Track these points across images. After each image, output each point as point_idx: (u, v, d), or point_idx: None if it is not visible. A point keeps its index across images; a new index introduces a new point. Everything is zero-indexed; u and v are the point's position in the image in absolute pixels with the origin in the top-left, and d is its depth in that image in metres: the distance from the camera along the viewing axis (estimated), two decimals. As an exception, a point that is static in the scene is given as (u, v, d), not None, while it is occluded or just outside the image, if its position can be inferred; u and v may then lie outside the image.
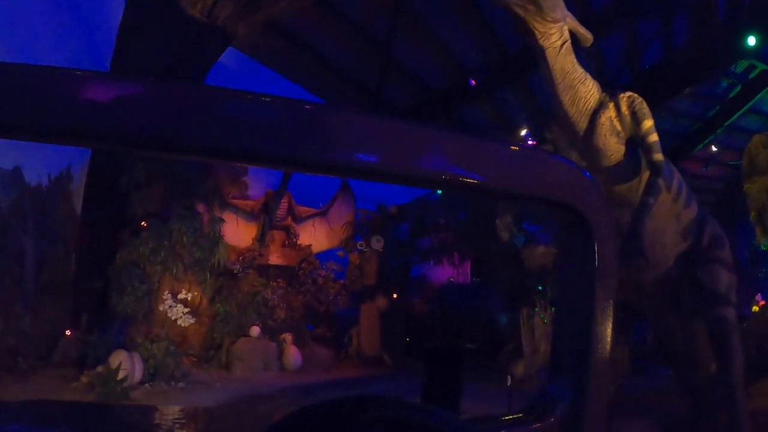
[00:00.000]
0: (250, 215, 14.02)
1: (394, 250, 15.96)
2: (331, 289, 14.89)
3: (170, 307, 10.91)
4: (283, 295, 13.94)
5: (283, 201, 14.89)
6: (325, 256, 15.61)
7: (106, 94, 0.88)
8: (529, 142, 16.01)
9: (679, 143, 18.49)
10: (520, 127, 15.74)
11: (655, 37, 14.50)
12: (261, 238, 14.36)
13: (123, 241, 10.83)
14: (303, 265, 14.55)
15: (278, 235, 14.58)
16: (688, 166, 17.51)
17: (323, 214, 15.43)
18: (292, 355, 13.25)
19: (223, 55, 11.82)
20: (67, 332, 10.25)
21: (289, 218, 14.73)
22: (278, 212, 14.67)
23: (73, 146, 1.04)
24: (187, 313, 11.25)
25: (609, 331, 1.30)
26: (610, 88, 5.45)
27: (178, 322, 10.99)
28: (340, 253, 16.05)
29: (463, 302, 16.78)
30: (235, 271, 13.57)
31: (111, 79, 0.98)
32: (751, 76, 16.61)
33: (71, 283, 11.04)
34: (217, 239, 11.78)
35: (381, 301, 15.58)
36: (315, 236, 14.66)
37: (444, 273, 18.06)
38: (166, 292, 11.12)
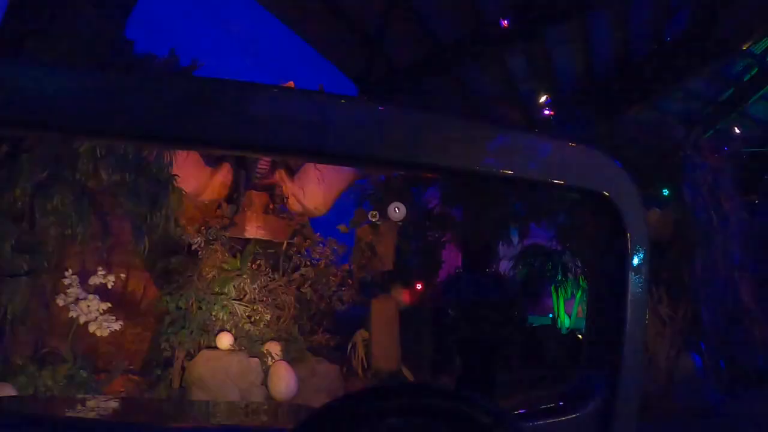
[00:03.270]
0: (217, 164, 9.27)
1: (420, 223, 11.40)
2: (333, 278, 10.25)
3: (76, 301, 6.15)
4: (268, 284, 9.26)
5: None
6: (323, 229, 10.94)
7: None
8: (546, 112, 15.48)
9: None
10: (538, 93, 15.00)
11: (682, 5, 14.19)
12: (234, 200, 9.65)
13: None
14: (296, 240, 9.86)
15: (259, 198, 9.86)
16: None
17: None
18: (283, 376, 8.62)
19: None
20: None
21: (277, 173, 10.02)
22: (260, 166, 9.99)
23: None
24: (105, 312, 6.52)
25: (643, 323, 1.30)
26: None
27: (92, 329, 6.26)
28: (343, 227, 11.42)
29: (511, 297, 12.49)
30: (194, 247, 8.86)
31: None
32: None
33: None
34: (166, 181, 7.01)
35: (400, 295, 11.06)
36: (315, 196, 9.97)
37: (489, 258, 13.70)
38: (69, 273, 6.36)
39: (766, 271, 10.38)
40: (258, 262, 9.34)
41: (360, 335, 10.57)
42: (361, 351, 10.45)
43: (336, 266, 10.51)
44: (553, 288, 16.44)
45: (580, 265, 15.80)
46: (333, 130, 1.00)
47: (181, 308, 8.57)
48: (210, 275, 8.99)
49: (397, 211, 10.91)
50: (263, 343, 8.90)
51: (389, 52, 13.13)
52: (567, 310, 16.73)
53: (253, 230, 9.54)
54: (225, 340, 8.61)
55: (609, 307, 1.33)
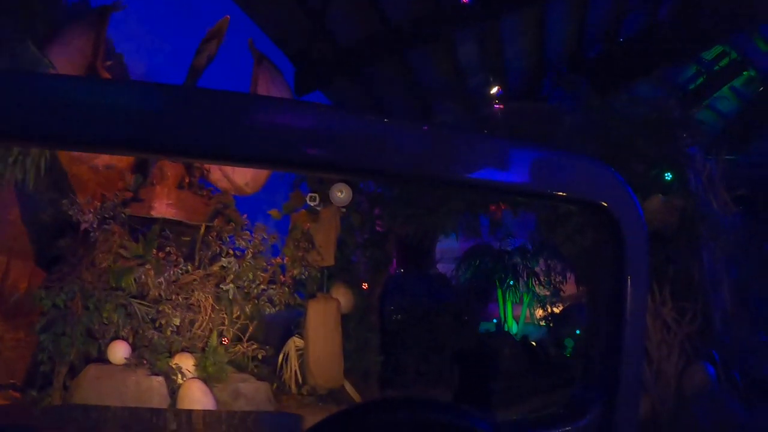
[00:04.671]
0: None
1: (368, 210, 9.55)
2: (261, 273, 8.24)
3: None
4: (179, 278, 7.18)
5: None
6: (251, 214, 8.90)
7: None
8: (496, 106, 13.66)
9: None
10: (489, 85, 13.86)
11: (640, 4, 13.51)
12: (141, 169, 7.52)
13: None
14: (217, 223, 7.79)
15: (173, 169, 7.72)
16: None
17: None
18: (196, 398, 6.55)
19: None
20: None
21: None
22: None
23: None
24: None
25: (642, 335, 1.32)
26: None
27: None
28: (275, 212, 9.40)
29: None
30: (83, 227, 6.71)
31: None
32: (721, 64, 15.69)
33: None
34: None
35: (343, 295, 9.15)
36: (246, 168, 7.94)
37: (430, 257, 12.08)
38: None
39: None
40: (167, 249, 7.22)
41: (293, 344, 8.61)
42: (294, 363, 8.49)
43: (266, 259, 8.49)
44: (500, 292, 15.04)
45: (539, 266, 14.69)
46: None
47: (59, 307, 6.40)
48: (103, 264, 6.85)
49: (341, 194, 8.96)
50: (171, 355, 6.81)
51: (332, 30, 11.55)
52: (515, 315, 15.42)
53: (162, 208, 7.42)
54: (119, 352, 6.50)
55: (607, 318, 1.31)
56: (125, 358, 6.52)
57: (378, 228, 9.66)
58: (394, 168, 1.04)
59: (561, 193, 1.23)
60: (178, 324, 6.87)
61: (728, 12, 12.86)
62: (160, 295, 6.95)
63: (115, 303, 6.63)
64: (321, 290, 9.09)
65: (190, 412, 6.40)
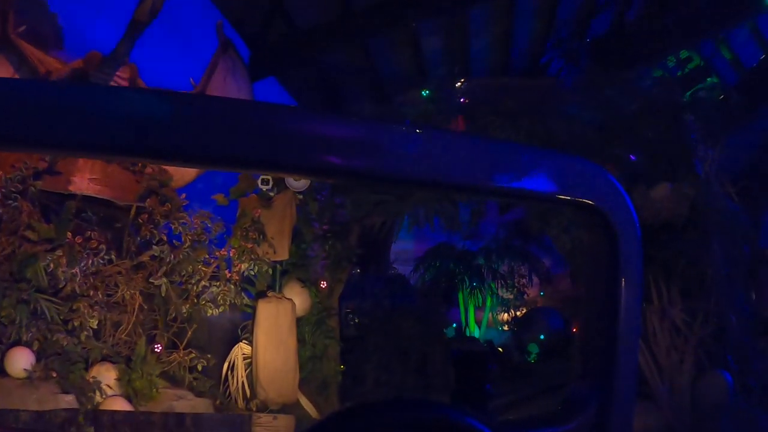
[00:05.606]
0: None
1: (328, 197, 8.34)
2: (202, 267, 6.93)
3: None
4: (100, 270, 5.79)
5: (119, 76, 6.89)
6: (192, 199, 7.54)
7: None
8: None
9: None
10: (455, 80, 12.04)
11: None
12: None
13: None
14: (149, 204, 6.40)
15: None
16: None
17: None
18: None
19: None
20: None
21: None
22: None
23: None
24: None
25: (636, 334, 1.32)
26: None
27: None
28: (221, 197, 8.07)
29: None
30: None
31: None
32: (685, 70, 14.41)
33: None
34: None
35: (298, 296, 7.93)
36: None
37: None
38: None
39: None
40: (87, 233, 5.82)
41: (240, 351, 7.32)
42: (241, 374, 7.19)
43: (208, 250, 7.16)
44: (461, 295, 14.02)
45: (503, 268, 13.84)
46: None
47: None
48: (6, 250, 5.43)
49: (297, 178, 7.71)
50: (88, 366, 5.42)
51: (290, 11, 10.67)
52: (477, 319, 14.42)
53: (83, 184, 6.04)
54: (19, 361, 5.09)
55: (601, 318, 1.32)
56: (26, 370, 5.11)
57: (340, 218, 8.42)
58: (382, 170, 1.05)
59: (552, 195, 1.23)
60: (96, 326, 5.46)
61: (695, 17, 12.27)
62: (74, 289, 5.54)
63: (16, 298, 5.22)
64: (273, 289, 7.87)
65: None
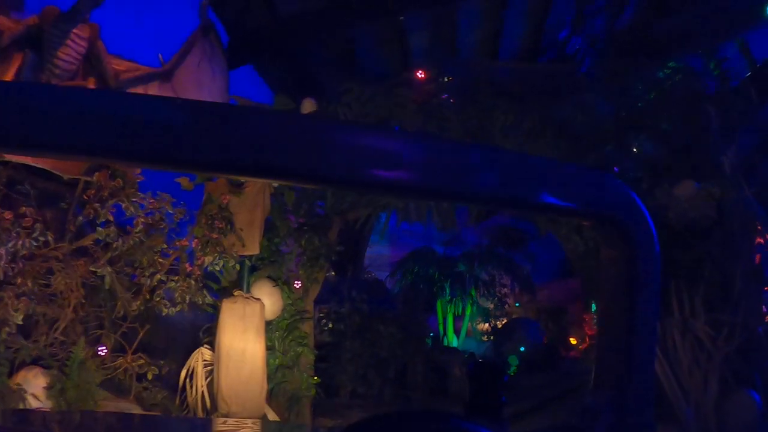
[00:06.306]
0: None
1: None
2: (159, 258, 5.97)
3: None
4: (33, 254, 4.78)
5: (77, 35, 5.89)
6: (152, 181, 6.58)
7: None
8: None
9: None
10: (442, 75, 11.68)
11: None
12: None
13: None
14: (97, 179, 5.42)
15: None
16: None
17: (164, 77, 6.59)
18: None
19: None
20: None
21: (90, 78, 5.68)
22: (63, 55, 5.55)
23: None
24: None
25: (652, 347, 1.32)
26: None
27: None
28: (185, 181, 7.10)
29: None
30: None
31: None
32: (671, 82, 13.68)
33: None
34: None
35: (268, 296, 7.04)
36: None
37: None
38: None
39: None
40: (21, 209, 4.82)
41: (201, 357, 6.38)
42: (201, 383, 6.25)
43: (166, 239, 6.21)
44: (440, 303, 13.25)
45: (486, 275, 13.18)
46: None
47: None
48: None
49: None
50: (12, 370, 4.42)
51: None
52: (456, 328, 13.67)
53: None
54: None
55: (618, 330, 1.30)
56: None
57: (319, 210, 7.51)
58: (402, 180, 1.03)
59: (572, 208, 1.24)
60: (21, 322, 4.46)
61: (685, 31, 11.89)
62: (12, 280, 4.55)
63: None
64: (240, 287, 7.00)
65: None
